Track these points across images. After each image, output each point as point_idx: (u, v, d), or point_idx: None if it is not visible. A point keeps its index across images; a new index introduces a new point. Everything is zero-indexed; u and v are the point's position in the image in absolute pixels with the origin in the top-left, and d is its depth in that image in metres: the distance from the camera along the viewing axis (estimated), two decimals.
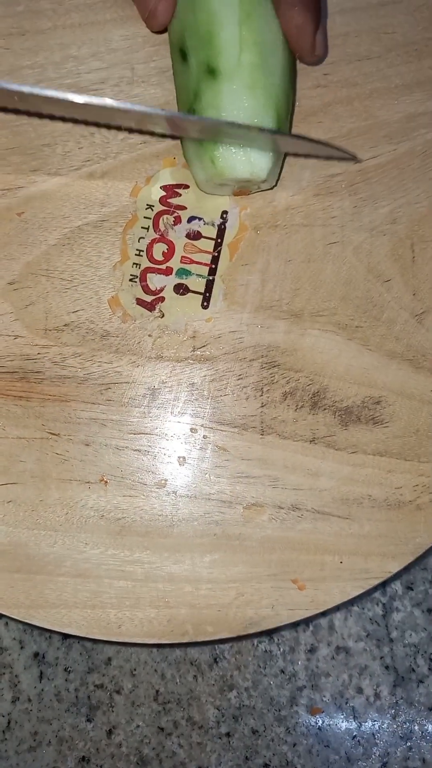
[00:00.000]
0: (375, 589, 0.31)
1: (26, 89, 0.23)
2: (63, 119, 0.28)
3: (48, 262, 0.28)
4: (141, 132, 0.29)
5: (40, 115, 0.28)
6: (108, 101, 0.23)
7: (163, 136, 0.28)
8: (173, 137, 0.28)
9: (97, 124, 0.28)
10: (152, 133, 0.29)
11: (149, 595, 0.28)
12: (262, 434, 0.29)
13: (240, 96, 0.24)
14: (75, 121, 0.28)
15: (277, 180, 0.28)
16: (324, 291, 0.29)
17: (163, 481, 0.28)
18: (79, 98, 0.23)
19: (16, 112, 0.28)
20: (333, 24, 0.30)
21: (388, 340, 0.29)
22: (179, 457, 0.28)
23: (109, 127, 0.28)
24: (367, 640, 0.34)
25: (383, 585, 0.32)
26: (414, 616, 0.34)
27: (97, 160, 0.29)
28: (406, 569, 0.32)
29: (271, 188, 0.29)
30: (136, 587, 0.28)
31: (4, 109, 0.28)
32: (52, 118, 0.28)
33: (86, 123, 0.28)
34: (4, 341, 0.28)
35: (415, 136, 0.29)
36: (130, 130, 0.29)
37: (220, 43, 0.24)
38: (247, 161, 0.25)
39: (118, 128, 0.28)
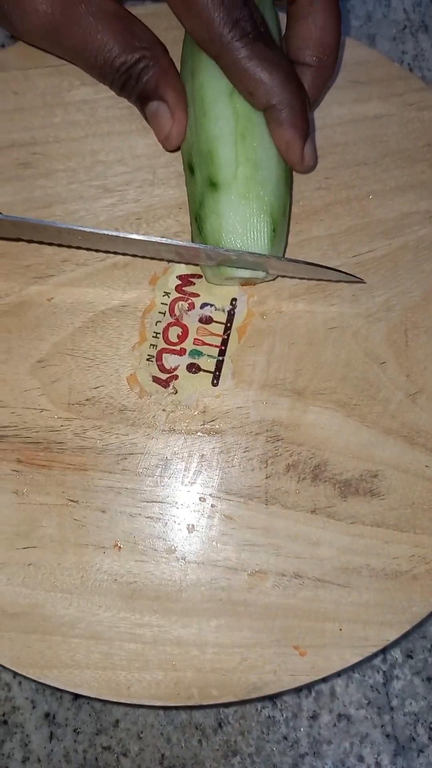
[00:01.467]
0: (375, 656, 0.32)
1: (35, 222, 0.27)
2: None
3: (73, 342, 0.31)
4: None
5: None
6: (117, 234, 0.28)
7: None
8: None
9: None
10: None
11: (157, 658, 0.29)
12: (266, 504, 0.30)
13: (236, 204, 0.28)
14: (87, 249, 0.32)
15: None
16: (325, 371, 0.31)
17: (173, 548, 0.30)
18: (86, 229, 0.27)
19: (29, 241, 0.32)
20: (333, 134, 0.33)
21: (384, 417, 0.31)
22: (188, 525, 0.30)
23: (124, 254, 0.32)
24: (368, 707, 0.35)
25: (383, 652, 0.33)
26: (414, 685, 0.35)
27: (120, 253, 0.32)
28: (405, 637, 0.33)
29: (274, 279, 0.32)
30: (146, 650, 0.29)
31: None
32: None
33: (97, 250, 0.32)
34: (31, 414, 0.30)
35: (408, 232, 0.33)
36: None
37: (219, 161, 0.28)
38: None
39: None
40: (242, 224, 0.28)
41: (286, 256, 0.32)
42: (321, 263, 0.30)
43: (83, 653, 0.29)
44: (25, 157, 0.32)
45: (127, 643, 0.29)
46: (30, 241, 0.31)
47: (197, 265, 0.31)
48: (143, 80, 0.29)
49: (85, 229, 0.28)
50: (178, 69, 0.30)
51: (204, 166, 0.29)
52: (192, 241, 0.31)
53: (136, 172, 0.32)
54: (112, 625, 0.29)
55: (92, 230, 0.28)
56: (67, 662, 0.29)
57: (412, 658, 0.34)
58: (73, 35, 0.29)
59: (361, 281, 0.31)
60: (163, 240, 0.28)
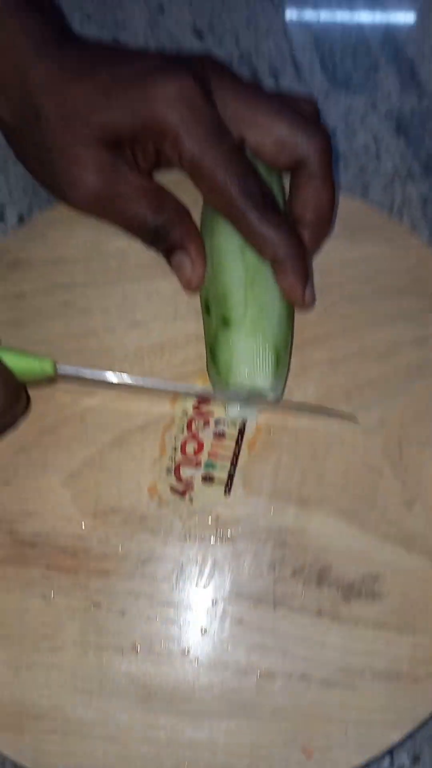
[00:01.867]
0: (382, 759, 0.33)
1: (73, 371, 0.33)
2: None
3: (101, 457, 0.35)
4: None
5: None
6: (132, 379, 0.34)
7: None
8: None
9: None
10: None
11: (171, 761, 0.30)
12: (274, 607, 0.33)
13: (245, 340, 0.33)
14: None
15: (282, 393, 0.35)
16: (327, 481, 0.35)
17: (186, 650, 0.32)
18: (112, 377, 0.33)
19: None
20: (332, 274, 0.38)
21: (382, 523, 0.34)
22: (201, 628, 0.32)
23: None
24: None
25: (390, 755, 0.34)
26: None
27: (146, 377, 0.36)
28: (412, 739, 0.34)
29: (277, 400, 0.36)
30: (160, 752, 0.31)
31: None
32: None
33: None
34: (60, 522, 0.34)
35: (399, 357, 0.37)
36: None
37: (231, 304, 0.33)
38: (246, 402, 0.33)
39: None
40: (250, 356, 0.33)
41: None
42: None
43: (100, 755, 0.31)
44: (66, 297, 0.38)
45: (142, 745, 0.31)
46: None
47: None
48: (170, 236, 0.35)
49: (134, 382, 0.33)
50: (198, 226, 0.37)
51: (218, 307, 0.34)
52: (207, 369, 0.35)
53: (160, 309, 0.38)
54: (129, 727, 0.31)
55: (141, 384, 0.34)
56: (85, 764, 0.31)
57: (419, 760, 0.34)
58: (114, 205, 0.35)
59: (355, 420, 0.35)
60: (184, 388, 0.34)
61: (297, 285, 0.33)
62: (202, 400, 0.36)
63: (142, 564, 0.33)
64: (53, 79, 0.34)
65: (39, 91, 0.34)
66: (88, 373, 0.33)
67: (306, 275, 0.34)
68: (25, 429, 0.35)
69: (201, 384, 0.36)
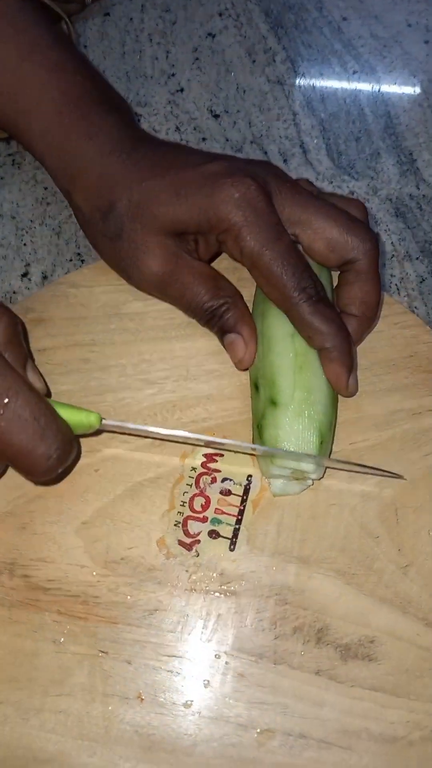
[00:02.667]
0: None
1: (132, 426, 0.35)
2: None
3: (113, 507, 0.37)
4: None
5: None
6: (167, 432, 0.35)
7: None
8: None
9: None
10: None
11: None
12: (275, 664, 0.34)
13: (291, 420, 0.35)
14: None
15: (324, 471, 0.37)
16: (326, 542, 0.36)
17: (189, 702, 0.33)
18: (155, 430, 0.35)
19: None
20: None
21: (379, 587, 0.36)
22: (204, 680, 0.34)
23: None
24: None
25: None
26: None
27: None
28: None
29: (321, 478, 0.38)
30: None
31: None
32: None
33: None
34: (72, 570, 0.35)
35: (395, 426, 0.39)
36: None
37: (280, 386, 0.36)
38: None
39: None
40: (296, 436, 0.35)
41: None
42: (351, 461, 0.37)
43: None
44: (85, 354, 0.40)
45: None
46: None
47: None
48: (225, 318, 0.38)
49: (175, 433, 0.35)
50: (251, 310, 0.40)
51: (267, 387, 0.36)
52: (252, 443, 0.38)
53: (173, 369, 0.40)
54: None
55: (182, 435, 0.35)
56: None
57: None
58: (176, 288, 0.38)
59: (402, 477, 0.37)
60: (229, 441, 0.36)
61: (342, 374, 0.36)
62: (210, 457, 0.38)
63: (150, 614, 0.35)
64: (128, 175, 0.38)
65: (114, 185, 0.38)
66: (130, 426, 0.35)
67: (351, 365, 0.37)
68: None
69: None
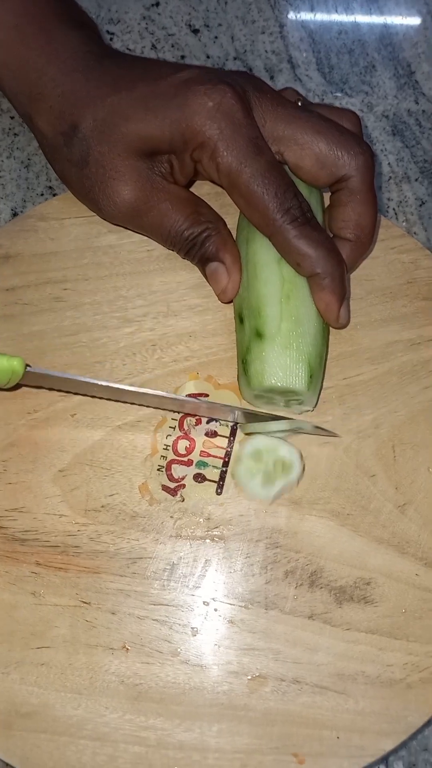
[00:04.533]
0: (375, 766, 0.32)
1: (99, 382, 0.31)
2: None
3: (92, 453, 0.35)
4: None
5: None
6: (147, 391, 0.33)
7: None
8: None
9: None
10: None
11: (160, 762, 0.30)
12: (266, 609, 0.32)
13: (278, 353, 0.32)
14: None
15: (316, 404, 0.35)
16: (319, 482, 0.34)
17: (177, 650, 0.32)
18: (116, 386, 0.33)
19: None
20: None
21: (375, 527, 0.34)
22: (192, 628, 0.32)
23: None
24: None
25: (385, 763, 0.34)
26: None
27: (136, 374, 0.36)
28: (405, 748, 0.34)
29: (312, 410, 0.35)
30: (149, 753, 0.30)
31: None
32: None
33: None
34: (50, 519, 0.33)
35: (392, 358, 0.37)
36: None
37: (266, 316, 0.33)
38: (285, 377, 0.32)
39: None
40: (283, 370, 0.32)
41: None
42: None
43: (89, 755, 0.30)
44: (57, 292, 0.37)
45: (131, 746, 0.30)
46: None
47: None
48: (206, 246, 0.35)
49: (106, 384, 0.32)
50: (234, 236, 0.36)
51: (252, 318, 0.33)
52: (237, 380, 0.35)
53: (152, 306, 0.37)
54: (118, 727, 0.31)
55: (117, 386, 0.32)
56: (74, 764, 0.30)
57: None
58: (151, 217, 0.35)
59: (336, 435, 0.35)
60: (189, 399, 0.33)
61: (333, 303, 0.33)
62: (195, 397, 0.36)
63: (133, 562, 0.33)
64: (91, 92, 0.34)
65: (77, 103, 0.34)
66: (67, 376, 0.31)
67: (343, 294, 0.33)
68: (15, 424, 0.35)
69: (192, 382, 0.36)
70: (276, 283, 0.33)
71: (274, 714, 0.31)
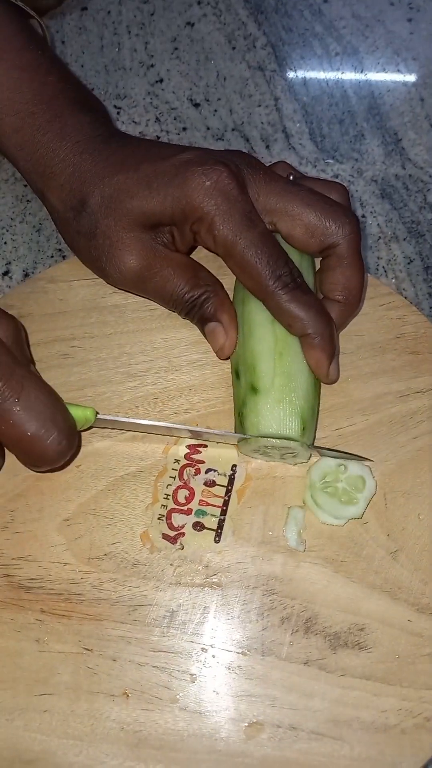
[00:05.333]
0: None
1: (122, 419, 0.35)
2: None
3: (96, 503, 0.36)
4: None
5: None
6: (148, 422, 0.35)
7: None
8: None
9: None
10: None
11: None
12: (263, 655, 0.33)
13: (272, 407, 0.34)
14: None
15: (309, 456, 0.37)
16: (314, 530, 0.36)
17: (176, 697, 0.33)
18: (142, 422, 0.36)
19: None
20: None
21: (368, 573, 0.35)
22: (191, 675, 0.33)
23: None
24: None
25: None
26: None
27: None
28: None
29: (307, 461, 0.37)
30: None
31: None
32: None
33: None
34: (55, 568, 0.35)
35: (382, 409, 0.38)
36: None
37: (260, 372, 0.35)
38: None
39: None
40: (276, 422, 0.34)
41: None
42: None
43: None
44: (65, 349, 0.40)
45: None
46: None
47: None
48: (205, 307, 0.38)
49: (163, 424, 0.36)
50: (232, 297, 0.39)
51: (248, 374, 0.36)
52: (234, 431, 0.37)
53: (154, 361, 0.39)
54: None
55: (169, 425, 0.36)
56: None
57: None
58: (155, 282, 0.38)
59: (369, 459, 0.37)
60: (220, 432, 0.36)
61: (323, 360, 0.35)
62: (194, 448, 0.38)
63: (134, 609, 0.34)
64: (99, 171, 0.37)
65: (87, 182, 0.37)
66: (122, 419, 0.35)
67: (332, 352, 0.36)
68: (23, 475, 0.36)
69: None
70: (269, 342, 0.35)
71: (271, 761, 0.31)
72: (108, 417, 0.35)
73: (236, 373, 0.37)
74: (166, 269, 0.37)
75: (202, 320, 0.38)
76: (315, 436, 0.37)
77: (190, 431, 0.36)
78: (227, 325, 0.37)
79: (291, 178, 0.38)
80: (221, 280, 0.39)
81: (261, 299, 0.36)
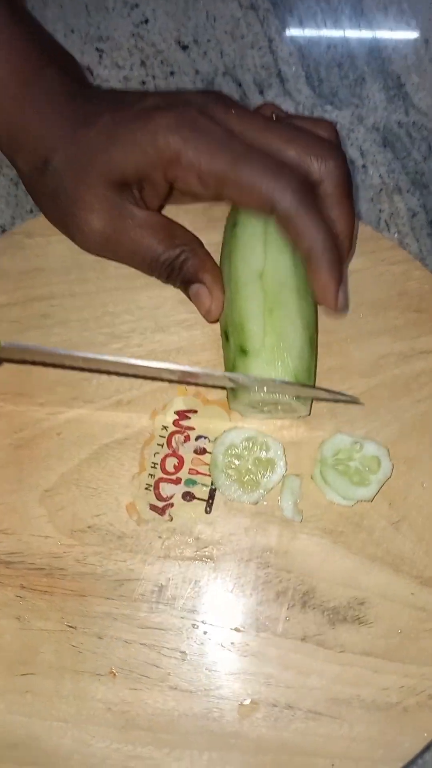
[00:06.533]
0: None
1: (80, 354, 0.31)
2: (100, 371, 0.35)
3: (79, 473, 0.34)
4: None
5: (82, 369, 0.35)
6: (136, 361, 0.31)
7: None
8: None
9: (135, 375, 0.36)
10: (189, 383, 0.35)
11: None
12: (257, 631, 0.31)
13: (263, 369, 0.31)
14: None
15: (310, 410, 0.34)
16: (310, 501, 0.34)
17: (166, 676, 0.31)
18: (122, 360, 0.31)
19: (64, 366, 0.35)
20: None
21: (369, 545, 0.33)
22: (181, 652, 0.31)
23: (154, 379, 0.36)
24: None
25: None
26: None
27: (124, 391, 0.35)
28: None
29: (307, 415, 0.34)
30: None
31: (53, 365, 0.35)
32: (91, 370, 0.36)
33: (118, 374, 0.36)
34: (36, 541, 0.33)
35: (383, 372, 0.36)
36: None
37: (249, 332, 0.32)
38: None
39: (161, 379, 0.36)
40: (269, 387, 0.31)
41: None
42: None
43: None
44: (44, 309, 0.37)
45: None
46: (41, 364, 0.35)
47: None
48: (185, 269, 0.34)
49: (83, 355, 0.31)
50: (219, 255, 0.36)
51: (236, 335, 0.33)
52: (227, 398, 0.34)
53: (139, 321, 0.37)
54: (106, 757, 0.30)
55: (96, 356, 0.31)
56: None
57: None
58: (124, 245, 0.34)
59: (358, 402, 0.34)
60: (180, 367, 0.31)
61: (331, 285, 0.32)
62: (183, 414, 0.35)
63: (120, 585, 0.32)
64: (63, 129, 0.34)
65: (50, 141, 0.34)
66: (36, 347, 0.31)
67: (341, 276, 0.32)
68: (0, 444, 0.34)
69: (181, 398, 0.35)
70: (258, 299, 0.33)
71: (267, 741, 0.30)
72: (20, 345, 0.30)
73: (225, 335, 0.34)
74: (135, 229, 0.34)
75: (184, 283, 0.35)
76: (312, 400, 0.35)
77: (156, 368, 0.31)
78: (211, 285, 0.34)
79: (274, 117, 0.35)
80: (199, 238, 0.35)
81: (270, 213, 0.32)
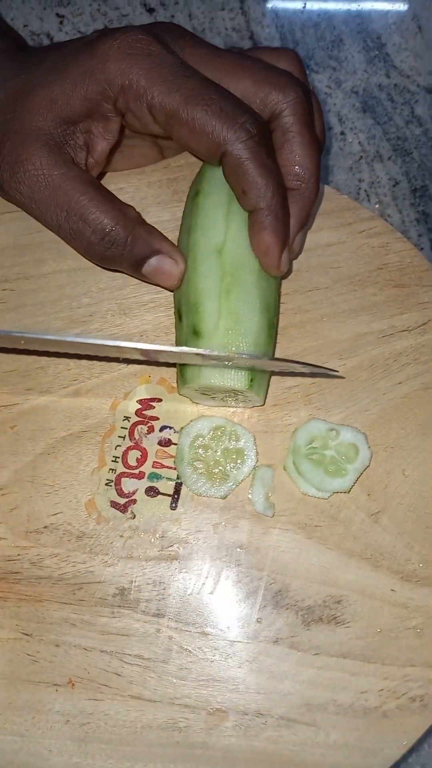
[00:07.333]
0: None
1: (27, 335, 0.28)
2: (58, 354, 0.33)
3: (34, 469, 0.32)
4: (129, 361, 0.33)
5: (39, 353, 0.33)
6: (107, 341, 0.28)
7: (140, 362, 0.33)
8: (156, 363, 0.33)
9: (90, 357, 0.33)
10: (137, 361, 0.33)
11: None
12: (226, 635, 0.29)
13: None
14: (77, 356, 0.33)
15: (265, 399, 0.32)
16: (283, 494, 0.31)
17: (128, 684, 0.29)
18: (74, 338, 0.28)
19: (17, 351, 0.33)
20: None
21: (346, 539, 0.31)
22: (144, 659, 0.29)
23: (109, 359, 0.33)
24: None
25: None
26: None
27: (82, 380, 0.33)
28: None
29: (262, 405, 0.32)
30: None
31: (6, 350, 0.32)
32: (48, 354, 0.33)
33: (79, 357, 0.33)
34: None
35: (362, 352, 0.33)
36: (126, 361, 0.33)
37: (203, 313, 0.29)
38: (222, 374, 0.29)
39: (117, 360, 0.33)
40: (220, 373, 0.29)
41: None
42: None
43: None
44: None
45: None
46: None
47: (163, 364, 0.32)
48: (137, 247, 0.30)
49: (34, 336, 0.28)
50: (178, 228, 0.33)
51: (190, 315, 0.30)
52: (176, 382, 0.32)
53: (100, 304, 0.34)
54: None
55: (52, 337, 0.28)
56: None
57: None
58: (59, 202, 0.30)
59: (340, 376, 0.32)
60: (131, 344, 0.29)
61: (275, 246, 0.29)
62: (146, 403, 0.33)
63: (79, 588, 0.30)
64: (3, 75, 0.31)
65: None
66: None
67: (286, 238, 0.30)
68: None
69: (144, 386, 0.33)
70: (215, 277, 0.30)
71: (236, 752, 0.28)
72: None
73: (178, 314, 0.31)
74: (73, 195, 0.30)
75: (136, 263, 0.31)
76: (269, 385, 0.32)
77: (117, 347, 0.28)
78: (172, 251, 0.31)
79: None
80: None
81: (219, 160, 0.29)
